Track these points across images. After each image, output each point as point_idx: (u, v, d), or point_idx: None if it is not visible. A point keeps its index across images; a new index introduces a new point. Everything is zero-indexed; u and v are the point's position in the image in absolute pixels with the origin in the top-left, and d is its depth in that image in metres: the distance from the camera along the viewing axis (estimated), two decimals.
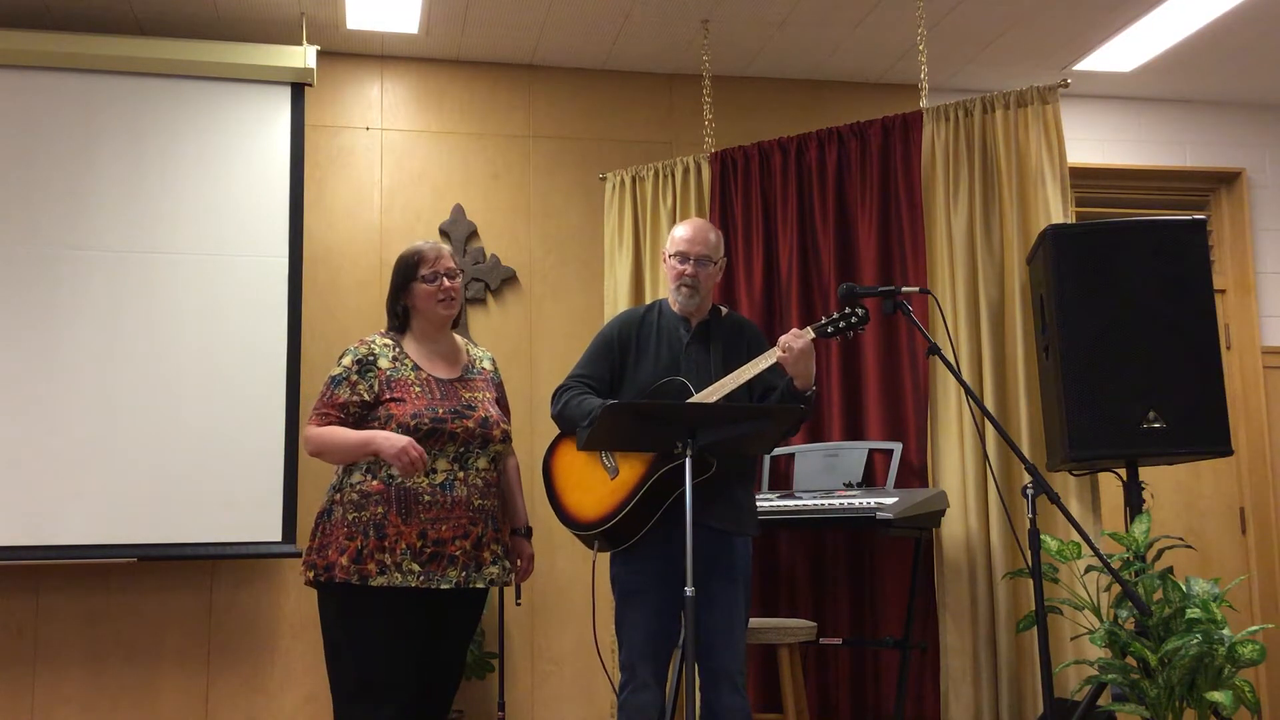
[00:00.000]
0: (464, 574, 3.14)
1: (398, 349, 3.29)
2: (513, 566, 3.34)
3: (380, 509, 3.11)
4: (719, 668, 3.20)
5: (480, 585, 3.19)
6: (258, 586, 4.96)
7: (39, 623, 4.78)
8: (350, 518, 3.13)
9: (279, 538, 4.76)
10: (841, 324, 3.28)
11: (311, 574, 3.15)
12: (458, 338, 3.43)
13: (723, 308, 3.52)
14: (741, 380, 3.24)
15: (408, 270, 3.31)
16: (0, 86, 4.80)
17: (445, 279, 3.30)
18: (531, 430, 5.13)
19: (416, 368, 3.27)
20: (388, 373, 3.23)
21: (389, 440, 3.09)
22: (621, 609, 3.33)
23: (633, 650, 3.25)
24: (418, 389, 3.22)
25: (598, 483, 3.28)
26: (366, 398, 3.20)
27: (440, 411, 3.18)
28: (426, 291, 3.29)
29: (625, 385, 3.40)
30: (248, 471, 4.77)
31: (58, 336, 4.71)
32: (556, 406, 3.41)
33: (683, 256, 3.40)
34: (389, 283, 3.36)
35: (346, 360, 3.26)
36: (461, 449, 3.20)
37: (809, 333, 3.25)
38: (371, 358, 3.25)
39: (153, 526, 4.67)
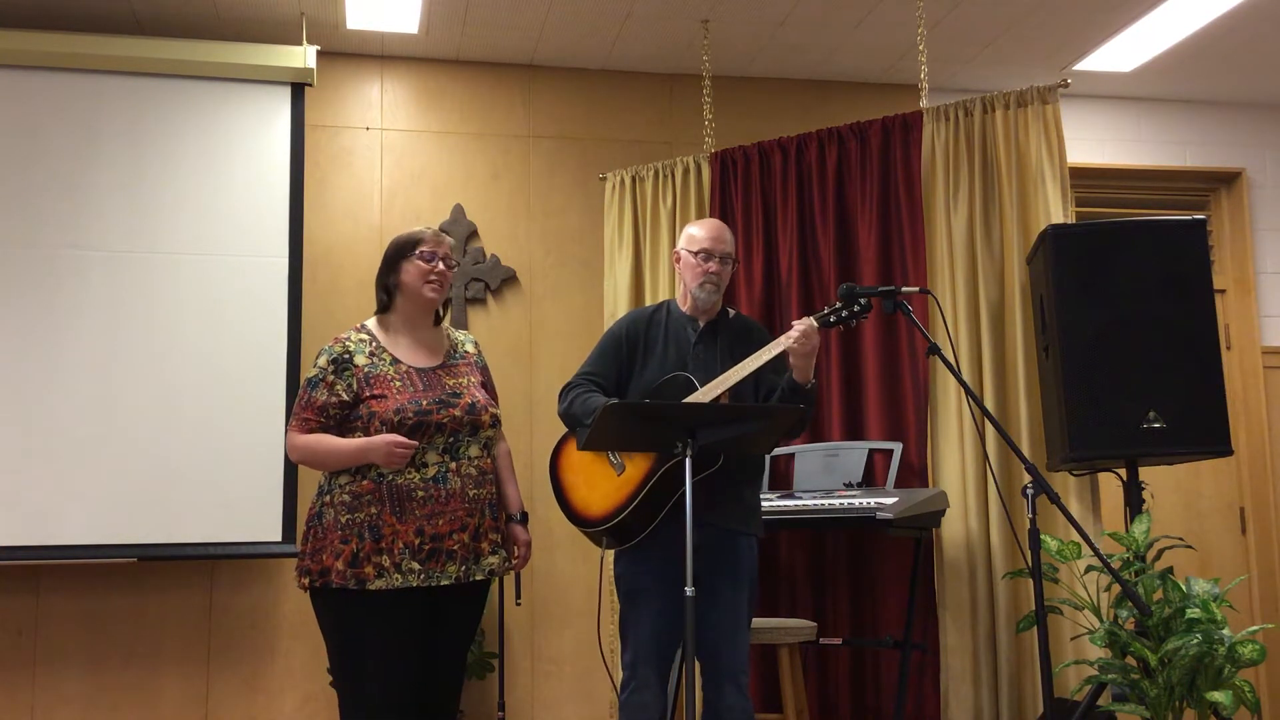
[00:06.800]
0: (463, 568, 3.10)
1: (374, 344, 3.20)
2: (509, 554, 3.28)
3: (374, 509, 3.05)
4: (722, 667, 3.20)
5: (480, 577, 3.14)
6: (257, 587, 4.96)
7: (39, 623, 4.78)
8: (343, 520, 3.06)
9: (279, 538, 4.76)
10: (844, 313, 3.26)
11: (307, 580, 3.09)
12: (440, 327, 3.37)
13: (730, 309, 3.54)
14: (748, 370, 3.23)
15: (405, 247, 3.24)
16: (0, 86, 4.80)
17: (441, 263, 3.24)
18: (531, 430, 5.14)
19: (395, 361, 3.18)
20: (365, 369, 3.15)
21: (375, 447, 3.04)
22: (626, 608, 3.32)
23: (637, 649, 3.25)
24: (398, 383, 3.14)
25: (604, 479, 3.28)
26: (346, 397, 3.13)
27: (425, 403, 3.11)
28: (419, 269, 3.22)
29: (633, 384, 3.40)
30: (248, 471, 4.76)
31: (58, 336, 4.71)
32: (563, 404, 3.40)
33: (707, 254, 3.40)
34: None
35: (322, 360, 3.17)
36: (451, 439, 3.13)
37: (811, 322, 3.24)
38: (347, 355, 3.16)
39: (153, 526, 4.66)
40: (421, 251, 3.23)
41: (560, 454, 3.42)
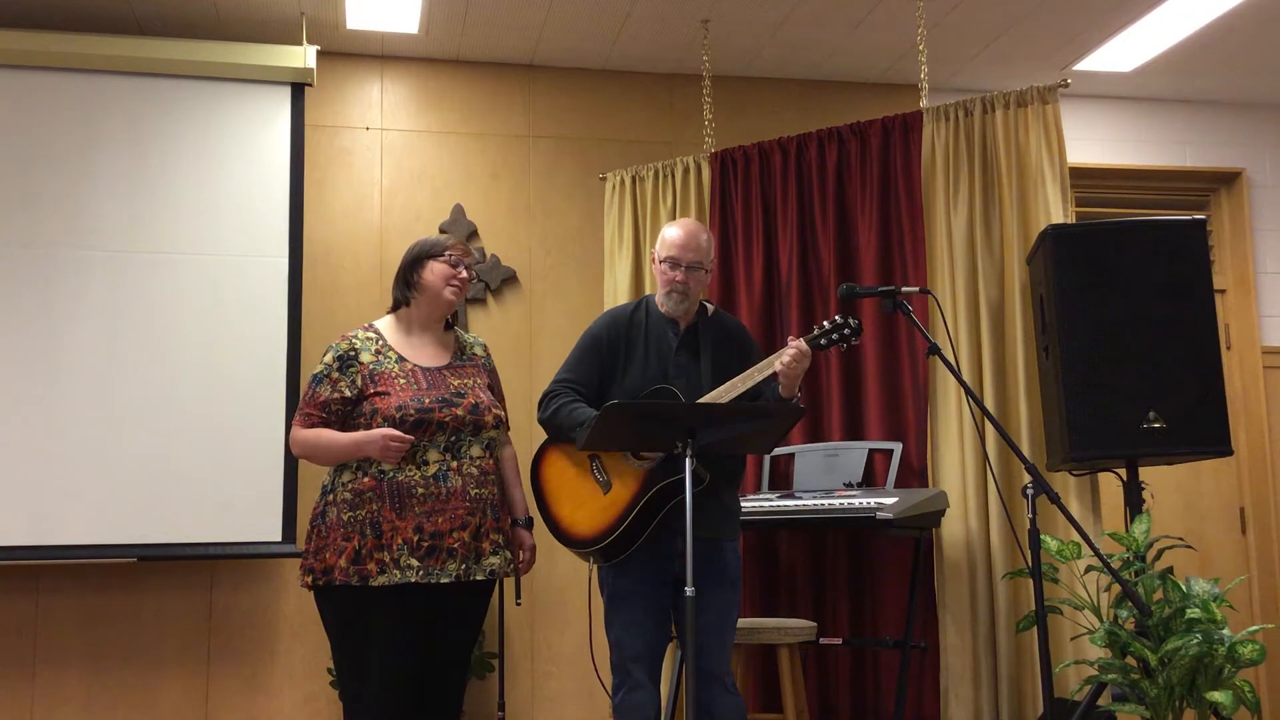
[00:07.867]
0: (463, 567, 3.11)
1: (380, 341, 3.25)
2: (514, 558, 3.30)
3: (375, 505, 3.08)
4: (710, 669, 3.19)
5: (480, 577, 3.15)
6: (257, 587, 4.96)
7: (39, 623, 4.78)
8: (345, 517, 3.09)
9: (279, 538, 4.76)
10: (835, 335, 3.23)
11: (310, 578, 3.11)
12: (452, 330, 3.41)
13: (709, 305, 3.46)
14: (735, 392, 3.19)
15: (432, 248, 3.30)
16: (0, 86, 4.80)
17: (464, 268, 3.30)
18: (531, 430, 5.11)
19: (401, 359, 3.22)
20: (370, 366, 3.19)
21: (370, 441, 3.07)
22: (611, 612, 3.30)
23: (625, 652, 3.24)
24: (402, 381, 3.17)
25: (590, 497, 3.24)
26: (348, 394, 3.17)
27: (427, 401, 3.14)
28: (443, 270, 3.27)
29: (614, 389, 3.34)
30: (248, 471, 4.76)
31: (58, 336, 4.71)
32: (544, 412, 3.36)
33: (674, 262, 3.32)
34: (397, 266, 3.34)
35: (328, 357, 3.23)
36: (452, 438, 3.15)
37: (803, 345, 3.20)
38: (353, 353, 3.21)
39: (153, 526, 4.66)
40: (449, 255, 3.29)
41: (542, 465, 3.37)
